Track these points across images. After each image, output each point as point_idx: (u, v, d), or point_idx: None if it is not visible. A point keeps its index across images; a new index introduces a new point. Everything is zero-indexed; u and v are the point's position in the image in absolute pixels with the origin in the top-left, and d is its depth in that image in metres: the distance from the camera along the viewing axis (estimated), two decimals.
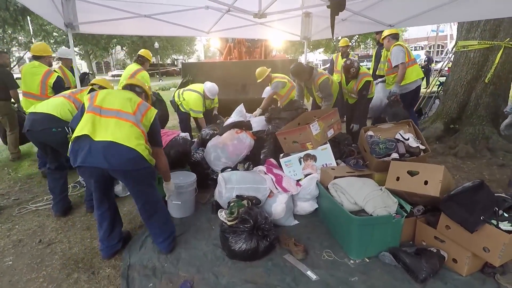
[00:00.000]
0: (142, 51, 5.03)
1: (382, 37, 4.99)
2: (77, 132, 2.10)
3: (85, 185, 3.75)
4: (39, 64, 4.10)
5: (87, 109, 2.20)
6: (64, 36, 21.02)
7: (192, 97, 4.78)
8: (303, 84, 4.52)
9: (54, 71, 4.33)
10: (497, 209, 1.98)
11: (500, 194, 2.18)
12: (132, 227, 2.91)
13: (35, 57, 4.17)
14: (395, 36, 4.68)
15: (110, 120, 2.13)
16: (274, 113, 4.03)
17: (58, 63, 5.08)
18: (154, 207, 2.38)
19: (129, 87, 2.51)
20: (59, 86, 4.04)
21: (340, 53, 6.71)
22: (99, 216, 2.38)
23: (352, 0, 3.30)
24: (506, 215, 1.97)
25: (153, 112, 2.34)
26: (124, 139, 2.07)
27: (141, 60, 5.00)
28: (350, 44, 6.28)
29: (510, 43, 4.70)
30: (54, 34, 21.29)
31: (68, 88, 4.20)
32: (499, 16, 4.27)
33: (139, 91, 2.50)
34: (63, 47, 5.88)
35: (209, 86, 4.82)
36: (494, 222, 1.93)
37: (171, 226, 2.51)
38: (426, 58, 14.25)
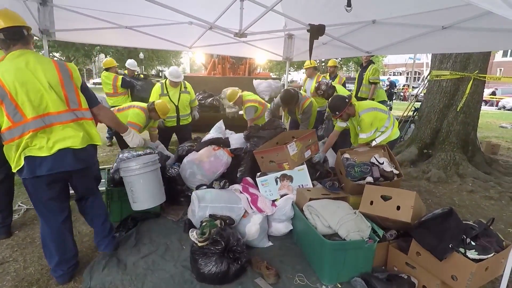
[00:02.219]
0: (158, 104, 4.06)
1: (305, 67, 5.90)
2: (37, 153, 1.95)
3: None
4: (109, 74, 5.67)
5: (30, 126, 1.92)
6: None
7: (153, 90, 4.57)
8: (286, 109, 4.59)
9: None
10: (465, 237, 2.01)
11: (468, 222, 2.22)
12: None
13: (106, 69, 5.78)
14: (316, 68, 5.93)
15: (57, 127, 2.01)
16: (252, 131, 4.02)
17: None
18: (102, 202, 2.48)
19: (18, 35, 2.00)
20: (125, 82, 5.70)
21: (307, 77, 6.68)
22: (60, 226, 2.16)
23: (332, 26, 3.41)
24: (473, 243, 2.00)
25: (77, 75, 2.15)
26: (81, 141, 2.08)
27: (150, 108, 4.08)
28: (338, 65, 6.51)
29: (479, 75, 4.98)
30: (35, 38, 20.74)
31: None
32: (468, 51, 4.58)
33: (26, 35, 2.05)
34: (132, 59, 6.43)
35: (170, 69, 4.64)
36: (462, 250, 1.96)
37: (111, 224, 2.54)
38: (388, 83, 14.99)
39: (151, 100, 4.41)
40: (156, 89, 4.59)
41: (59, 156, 2.00)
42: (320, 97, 4.67)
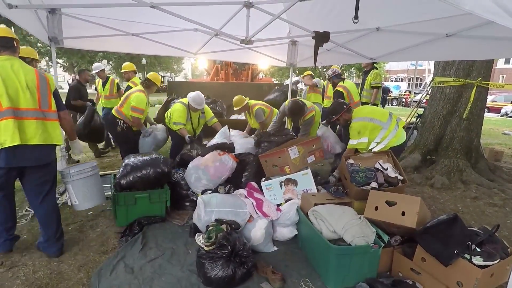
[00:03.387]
0: (150, 75, 4.57)
1: (302, 75, 6.74)
2: (11, 142, 2.23)
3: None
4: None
5: (3, 115, 2.24)
6: (49, 48, 20.73)
7: (175, 108, 4.47)
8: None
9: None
10: (470, 243, 2.03)
11: (473, 228, 2.24)
12: (104, 249, 2.78)
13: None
14: (312, 75, 6.79)
15: (25, 122, 2.33)
16: (264, 136, 4.10)
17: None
18: (54, 201, 2.69)
19: (9, 44, 2.44)
20: None
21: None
22: (5, 197, 2.49)
23: (336, 33, 3.45)
24: (478, 249, 2.02)
25: (52, 82, 2.57)
26: (41, 138, 2.39)
27: (147, 84, 4.49)
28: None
29: (482, 82, 5.01)
30: (38, 45, 21.05)
31: None
32: (471, 58, 4.62)
33: (15, 46, 2.49)
34: (97, 63, 6.60)
35: (193, 95, 4.39)
36: (468, 256, 1.97)
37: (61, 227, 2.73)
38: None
39: (175, 120, 4.42)
40: (183, 111, 4.41)
41: (19, 152, 2.30)
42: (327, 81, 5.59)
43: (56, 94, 2.59)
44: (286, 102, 4.60)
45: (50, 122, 2.48)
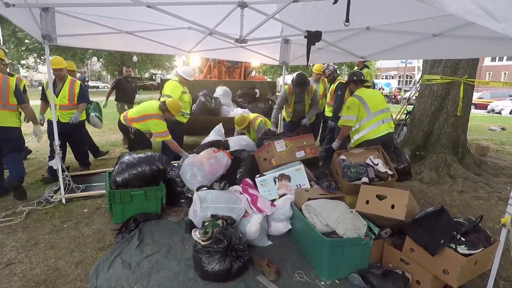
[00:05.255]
0: (168, 102, 4.08)
1: (316, 71, 6.29)
2: None
3: (50, 200, 3.62)
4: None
5: None
6: (37, 44, 20.41)
7: (168, 86, 4.82)
8: (294, 95, 4.92)
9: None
10: (455, 234, 2.13)
11: (458, 219, 2.34)
12: (101, 246, 2.81)
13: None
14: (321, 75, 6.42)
15: None
16: (270, 134, 4.23)
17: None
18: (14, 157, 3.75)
19: None
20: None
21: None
22: None
23: (327, 32, 3.53)
24: (463, 239, 2.12)
25: (12, 83, 3.58)
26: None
27: (163, 108, 4.08)
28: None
29: (468, 79, 5.17)
30: (26, 41, 20.68)
31: None
32: (457, 57, 4.76)
33: None
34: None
35: (184, 68, 5.04)
36: (453, 245, 2.07)
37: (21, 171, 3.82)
38: None
39: (173, 95, 4.57)
40: (177, 86, 4.81)
41: None
42: (326, 79, 5.79)
43: (16, 93, 3.59)
44: (287, 87, 4.90)
45: (8, 111, 3.53)
